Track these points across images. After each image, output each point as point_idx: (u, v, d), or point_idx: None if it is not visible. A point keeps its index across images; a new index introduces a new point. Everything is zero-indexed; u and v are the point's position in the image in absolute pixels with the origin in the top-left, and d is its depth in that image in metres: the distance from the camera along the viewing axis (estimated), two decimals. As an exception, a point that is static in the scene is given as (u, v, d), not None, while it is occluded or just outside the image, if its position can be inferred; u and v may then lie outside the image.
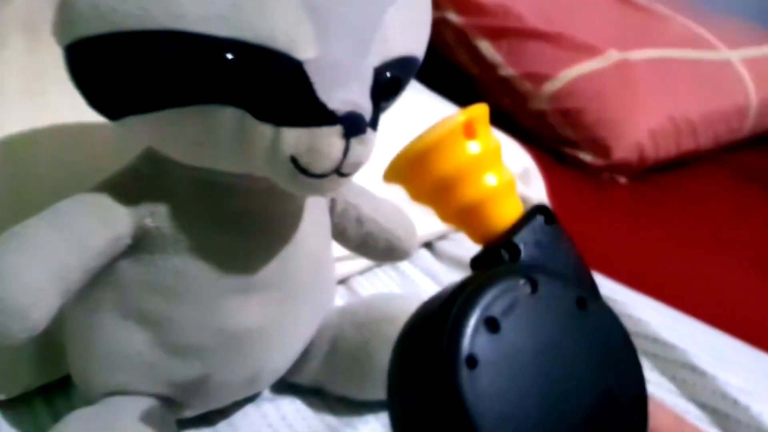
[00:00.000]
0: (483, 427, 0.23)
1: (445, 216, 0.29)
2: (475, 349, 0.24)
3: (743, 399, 0.59)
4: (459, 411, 0.23)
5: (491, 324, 0.24)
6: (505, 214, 0.29)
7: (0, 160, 0.56)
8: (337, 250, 0.58)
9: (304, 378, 0.57)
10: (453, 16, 1.27)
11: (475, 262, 0.29)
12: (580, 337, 0.26)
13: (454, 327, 0.24)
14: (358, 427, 0.55)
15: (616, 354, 0.27)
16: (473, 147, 0.28)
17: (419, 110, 0.88)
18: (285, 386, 0.58)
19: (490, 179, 0.28)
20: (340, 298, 0.71)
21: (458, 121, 0.27)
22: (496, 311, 0.25)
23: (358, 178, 0.54)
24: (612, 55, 1.23)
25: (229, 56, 0.36)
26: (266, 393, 0.58)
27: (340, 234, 0.56)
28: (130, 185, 0.45)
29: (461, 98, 1.01)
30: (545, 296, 0.26)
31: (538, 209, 0.29)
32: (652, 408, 0.27)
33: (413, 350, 0.27)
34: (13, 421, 0.53)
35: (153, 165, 0.45)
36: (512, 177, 0.29)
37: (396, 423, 0.27)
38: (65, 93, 0.42)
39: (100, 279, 0.45)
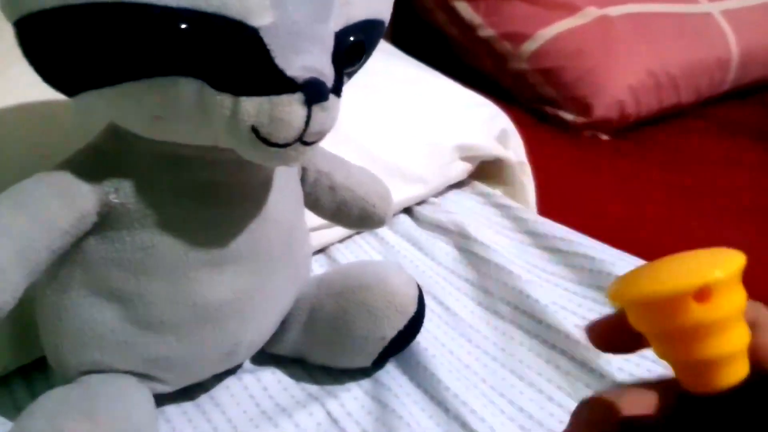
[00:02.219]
0: None
1: (663, 356, 0.27)
2: None
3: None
4: None
5: None
6: (729, 381, 0.26)
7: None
8: (315, 219, 0.58)
9: (284, 349, 0.57)
10: (430, -21, 1.25)
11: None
12: None
13: None
14: (339, 395, 0.55)
15: None
16: (704, 310, 0.25)
17: (394, 76, 0.87)
18: (265, 357, 0.58)
19: (719, 345, 0.25)
20: (320, 267, 0.70)
21: (692, 283, 0.25)
22: None
23: (335, 146, 0.54)
24: (590, 12, 1.22)
25: (183, 26, 0.35)
26: (247, 365, 0.58)
27: (313, 203, 0.56)
28: (92, 162, 0.44)
29: (440, 62, 1.00)
30: None
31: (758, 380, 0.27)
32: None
33: None
34: (-7, 402, 0.53)
35: (116, 141, 0.44)
36: (747, 338, 0.26)
37: None
38: (28, 70, 0.41)
39: (68, 258, 0.44)
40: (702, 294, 0.25)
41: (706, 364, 0.26)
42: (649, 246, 0.77)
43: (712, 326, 0.25)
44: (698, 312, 0.25)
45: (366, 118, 0.77)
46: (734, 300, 0.26)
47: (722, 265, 0.25)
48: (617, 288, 0.27)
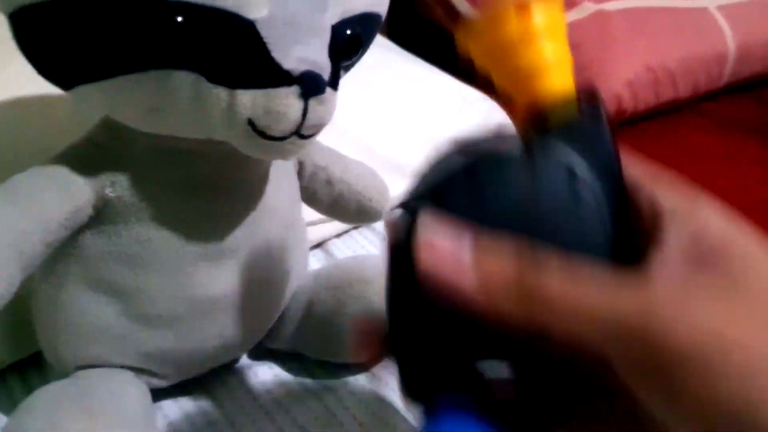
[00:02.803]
0: None
1: (498, 82, 0.32)
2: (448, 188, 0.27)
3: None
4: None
5: (471, 172, 0.28)
6: (552, 88, 0.31)
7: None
8: (312, 213, 0.58)
9: (282, 343, 0.57)
10: (427, -27, 1.25)
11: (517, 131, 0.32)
12: (554, 208, 0.28)
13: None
14: (337, 389, 0.55)
15: (589, 241, 0.28)
16: (522, 22, 0.30)
17: (391, 71, 0.87)
18: (263, 352, 0.58)
19: (541, 52, 0.30)
20: (317, 262, 0.70)
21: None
22: (479, 166, 0.28)
23: (332, 140, 0.54)
24: (588, 7, 1.21)
25: (179, 18, 0.35)
26: (244, 360, 0.58)
27: (310, 197, 0.56)
28: (88, 155, 0.44)
29: (437, 56, 1.00)
30: (539, 165, 0.28)
31: (584, 92, 0.31)
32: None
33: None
34: (-12, 397, 0.53)
35: (111, 134, 0.44)
36: (568, 56, 0.31)
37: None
38: (25, 65, 0.41)
39: (65, 252, 0.44)
40: (521, 8, 0.30)
41: (533, 70, 0.31)
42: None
43: (531, 35, 0.30)
44: (518, 23, 0.30)
45: (362, 113, 0.77)
46: (550, 18, 0.31)
47: None
48: (462, 31, 0.32)
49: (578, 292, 0.24)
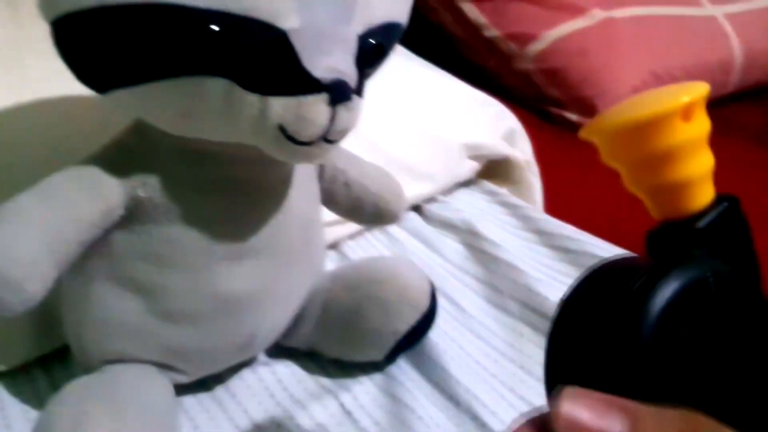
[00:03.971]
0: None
1: (636, 185, 0.29)
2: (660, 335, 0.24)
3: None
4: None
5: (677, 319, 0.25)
6: (700, 201, 0.28)
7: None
8: (327, 215, 0.59)
9: (299, 342, 0.59)
10: (436, -21, 1.26)
11: (653, 237, 0.29)
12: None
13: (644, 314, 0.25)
14: (352, 388, 0.57)
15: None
16: (686, 130, 0.27)
17: (403, 75, 0.88)
18: (280, 350, 0.59)
19: (693, 164, 0.28)
20: (330, 263, 0.71)
21: (680, 102, 0.27)
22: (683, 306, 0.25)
23: (346, 143, 0.55)
24: (596, 14, 1.23)
25: (214, 27, 0.36)
26: (262, 357, 0.59)
27: (329, 199, 0.57)
28: (120, 157, 0.45)
29: (445, 60, 1.01)
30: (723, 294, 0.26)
31: (725, 198, 0.29)
32: None
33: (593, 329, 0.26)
34: (14, 391, 0.54)
35: (142, 137, 0.46)
36: (712, 160, 0.28)
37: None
38: (48, 66, 0.42)
39: (95, 250, 0.45)
40: (687, 112, 0.27)
41: (683, 185, 0.28)
42: (640, 237, 0.78)
43: (694, 144, 0.28)
44: (684, 130, 0.27)
45: (376, 116, 0.78)
46: (707, 121, 0.28)
47: (696, 87, 0.27)
48: (596, 123, 0.28)
49: None
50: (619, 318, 0.25)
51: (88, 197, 0.43)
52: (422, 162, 0.80)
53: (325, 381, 0.58)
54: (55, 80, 0.57)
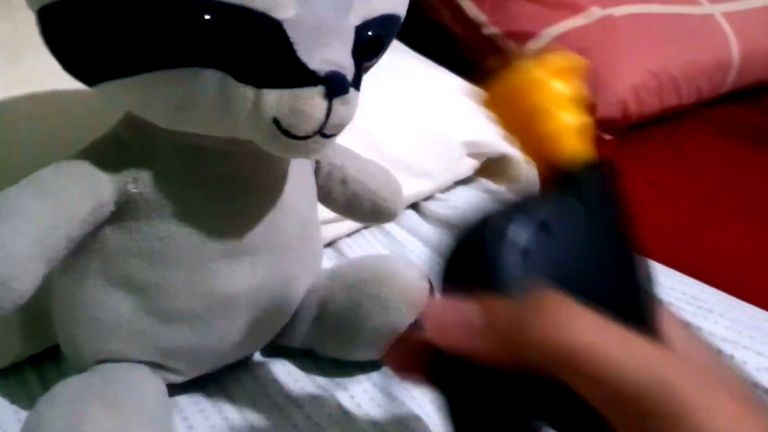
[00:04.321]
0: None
1: (523, 146, 0.33)
2: (530, 244, 0.27)
3: (728, 349, 0.60)
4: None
5: (546, 227, 0.28)
6: (578, 152, 0.32)
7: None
8: (325, 212, 0.58)
9: (295, 341, 0.58)
10: (435, -24, 1.26)
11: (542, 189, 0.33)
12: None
13: (509, 222, 0.28)
14: (349, 387, 0.56)
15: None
16: (560, 87, 0.32)
17: (401, 71, 0.87)
18: (276, 350, 0.58)
19: (570, 116, 0.32)
20: (328, 260, 0.71)
21: (554, 65, 0.32)
22: (550, 217, 0.29)
23: (343, 140, 0.54)
24: (594, 12, 1.22)
25: (207, 17, 0.35)
26: (257, 357, 0.58)
27: (325, 196, 0.56)
28: (111, 152, 0.44)
29: (444, 58, 1.01)
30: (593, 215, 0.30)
31: (602, 160, 0.32)
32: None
33: (463, 249, 0.30)
34: (5, 391, 0.54)
35: (134, 130, 0.45)
36: (590, 125, 0.32)
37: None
38: (42, 60, 0.41)
39: (86, 247, 0.44)
40: (544, 78, 0.32)
41: (555, 135, 0.32)
42: (649, 244, 0.78)
43: (566, 100, 0.32)
44: (543, 92, 0.32)
45: (374, 113, 0.78)
46: (578, 87, 0.32)
47: (569, 58, 0.33)
48: (486, 95, 0.34)
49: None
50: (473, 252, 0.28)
51: (78, 192, 0.42)
52: (420, 159, 0.79)
53: (322, 380, 0.57)
54: (49, 75, 0.56)
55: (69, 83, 0.41)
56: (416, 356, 0.30)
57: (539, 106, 0.32)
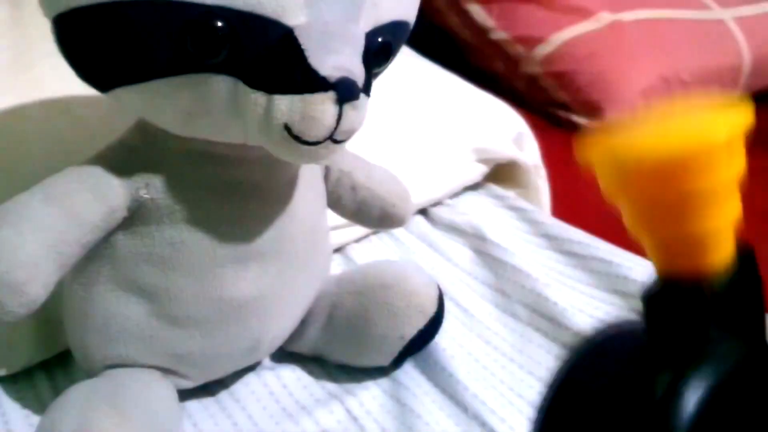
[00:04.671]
0: None
1: (639, 230, 0.24)
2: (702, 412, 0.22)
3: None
4: None
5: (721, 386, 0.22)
6: (715, 257, 0.23)
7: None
8: (333, 218, 0.58)
9: (304, 346, 0.58)
10: (443, -19, 1.25)
11: (653, 300, 0.24)
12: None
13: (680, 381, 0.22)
14: (357, 393, 0.56)
15: None
16: (723, 170, 0.21)
17: (410, 77, 0.87)
18: (285, 355, 0.58)
19: (720, 213, 0.22)
20: (336, 266, 0.71)
21: (722, 135, 0.21)
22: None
23: (352, 146, 0.54)
24: (604, 17, 1.22)
25: (219, 24, 0.36)
26: (267, 362, 0.58)
27: (335, 202, 0.56)
28: (123, 158, 0.44)
29: (451, 63, 1.01)
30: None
31: (742, 253, 0.24)
32: None
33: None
34: (15, 396, 0.54)
35: (145, 137, 0.45)
36: (739, 209, 0.23)
37: None
38: (52, 66, 0.41)
39: (97, 252, 0.45)
40: (729, 148, 0.21)
41: (704, 240, 0.22)
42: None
43: (726, 188, 0.22)
44: (721, 170, 0.21)
45: (382, 118, 0.78)
46: (742, 157, 0.22)
47: (735, 115, 0.21)
48: (601, 147, 0.22)
49: None
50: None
51: (90, 198, 0.42)
52: (429, 165, 0.79)
53: (331, 386, 0.57)
54: (59, 80, 0.56)
55: (78, 89, 0.41)
56: None
57: (699, 194, 0.21)
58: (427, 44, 1.17)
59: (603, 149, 0.22)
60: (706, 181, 0.21)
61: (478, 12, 1.25)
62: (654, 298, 0.24)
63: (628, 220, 0.23)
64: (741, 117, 0.21)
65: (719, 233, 0.23)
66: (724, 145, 0.21)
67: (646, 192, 0.22)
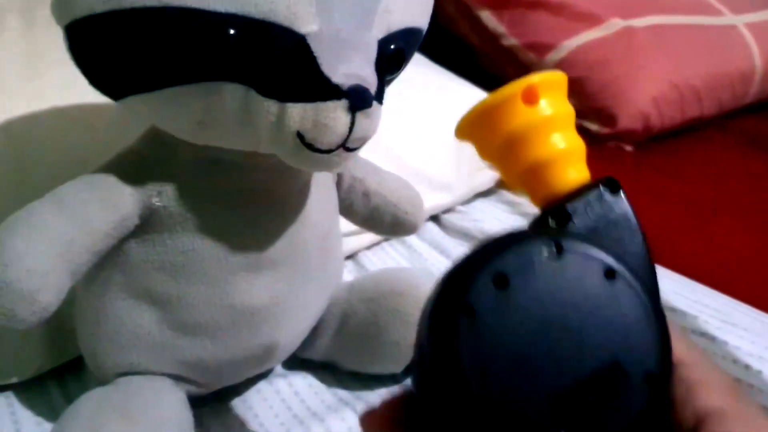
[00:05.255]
0: (472, 376, 0.23)
1: (508, 179, 0.29)
2: (476, 300, 0.24)
3: (755, 364, 0.59)
4: (451, 358, 0.23)
5: (499, 279, 0.24)
6: (567, 180, 0.28)
7: (1, 143, 0.56)
8: (345, 225, 0.58)
9: (316, 354, 0.58)
10: (454, -11, 1.26)
11: (531, 226, 0.29)
12: (595, 308, 0.25)
13: (459, 277, 0.25)
14: (370, 400, 0.56)
15: (635, 330, 0.25)
16: (534, 111, 0.28)
17: (422, 84, 0.87)
18: (297, 362, 0.58)
19: (551, 143, 0.28)
20: (348, 273, 0.71)
21: (519, 87, 0.28)
22: (508, 268, 0.24)
23: (364, 153, 0.54)
24: (615, 23, 1.21)
25: (231, 32, 0.35)
26: (279, 369, 0.58)
27: (347, 209, 0.56)
28: (134, 166, 0.44)
29: (463, 70, 1.01)
30: (570, 263, 0.25)
31: (603, 180, 0.28)
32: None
33: (427, 303, 0.26)
34: (28, 403, 0.54)
35: (157, 145, 0.45)
36: (581, 144, 0.29)
37: (413, 377, 0.28)
38: (63, 75, 0.41)
39: (109, 260, 0.45)
40: (528, 95, 0.27)
41: (545, 165, 0.28)
42: (673, 257, 0.77)
43: (544, 125, 0.28)
44: (528, 112, 0.27)
45: (394, 125, 0.78)
46: (561, 104, 0.28)
47: (542, 75, 0.28)
48: (457, 125, 0.29)
49: None
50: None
51: (102, 206, 0.42)
52: (441, 172, 0.79)
53: (343, 393, 0.57)
54: (71, 88, 0.56)
55: (89, 97, 0.41)
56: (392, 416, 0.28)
57: (519, 131, 0.28)
58: (439, 51, 1.17)
59: (460, 121, 0.29)
60: (538, 113, 0.28)
61: (489, 18, 1.25)
62: (530, 223, 0.28)
63: (502, 176, 0.29)
64: (546, 74, 0.28)
65: (553, 162, 0.28)
66: (545, 83, 0.28)
67: (485, 141, 0.29)
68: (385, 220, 0.58)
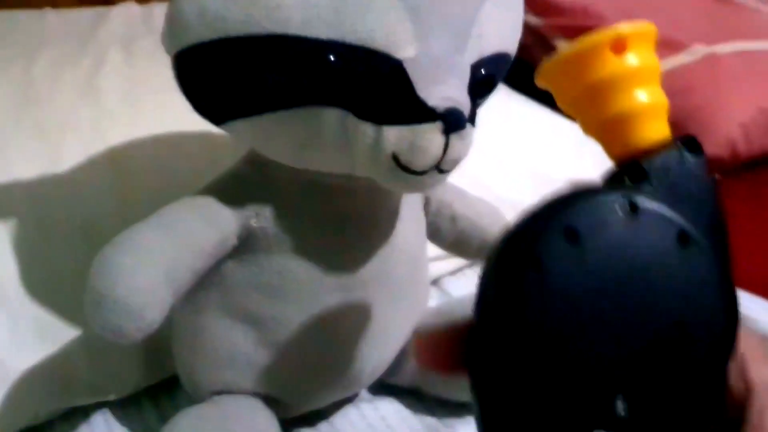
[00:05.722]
0: (535, 334, 0.23)
1: (586, 128, 0.28)
2: (544, 253, 0.23)
3: None
4: (515, 313, 0.23)
5: (570, 234, 0.24)
6: (647, 137, 0.27)
7: (105, 168, 0.59)
8: (428, 249, 0.58)
9: (402, 379, 0.57)
10: (531, 18, 1.25)
11: (604, 183, 0.28)
12: (665, 273, 0.24)
13: (527, 228, 0.24)
14: (457, 428, 0.55)
15: (703, 299, 0.25)
16: (621, 61, 0.27)
17: (505, 111, 0.87)
18: (383, 387, 0.58)
19: (635, 96, 0.27)
20: (431, 299, 0.70)
21: (609, 35, 0.27)
22: (579, 223, 0.24)
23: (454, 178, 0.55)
24: (698, 50, 1.19)
25: (332, 58, 0.37)
26: (364, 394, 0.58)
27: (434, 233, 0.56)
28: (235, 188, 0.46)
29: (542, 100, 1.00)
30: (644, 223, 0.24)
31: (683, 138, 0.27)
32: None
33: (491, 254, 0.26)
34: (124, 420, 0.55)
35: (256, 168, 0.46)
36: (664, 101, 0.27)
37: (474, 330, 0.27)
38: (160, 101, 0.43)
39: (206, 280, 0.46)
40: (617, 45, 0.26)
41: (627, 118, 0.27)
42: (762, 286, 0.74)
43: (630, 77, 0.27)
44: (615, 62, 0.26)
45: (479, 152, 0.78)
46: (648, 57, 0.27)
47: (633, 25, 0.27)
48: (539, 72, 0.28)
49: None
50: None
51: (203, 226, 0.43)
52: (526, 198, 0.78)
53: (430, 420, 0.56)
54: (166, 114, 0.59)
55: (185, 124, 0.43)
56: (449, 345, 0.28)
57: (604, 80, 0.27)
58: (517, 80, 1.17)
59: (543, 67, 0.28)
60: (599, 71, 0.26)
61: (566, 48, 1.25)
62: (605, 178, 0.27)
63: (580, 125, 0.28)
64: (637, 24, 0.27)
65: (647, 112, 0.27)
66: (635, 34, 0.27)
67: (567, 87, 0.28)
68: (473, 245, 0.57)
